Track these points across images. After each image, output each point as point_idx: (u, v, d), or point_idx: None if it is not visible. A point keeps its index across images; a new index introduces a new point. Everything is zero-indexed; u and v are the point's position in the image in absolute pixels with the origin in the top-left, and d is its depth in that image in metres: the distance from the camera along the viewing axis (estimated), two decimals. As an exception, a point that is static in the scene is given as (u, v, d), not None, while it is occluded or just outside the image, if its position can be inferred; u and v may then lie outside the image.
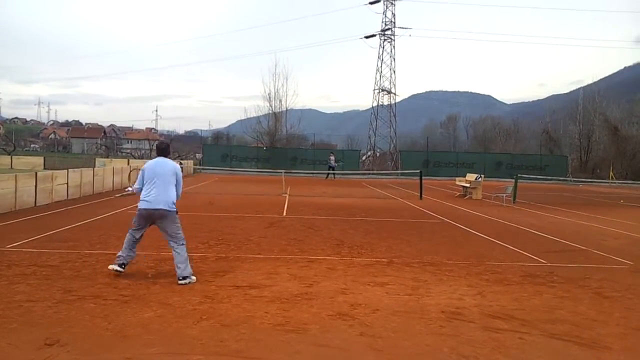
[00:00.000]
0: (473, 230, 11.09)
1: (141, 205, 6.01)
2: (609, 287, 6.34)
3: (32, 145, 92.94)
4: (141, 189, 6.11)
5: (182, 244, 5.99)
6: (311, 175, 34.08)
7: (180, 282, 5.76)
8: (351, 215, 13.18)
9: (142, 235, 6.18)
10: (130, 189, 6.75)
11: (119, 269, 5.93)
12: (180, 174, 6.28)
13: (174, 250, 5.95)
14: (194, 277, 5.92)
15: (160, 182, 6.00)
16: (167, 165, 6.16)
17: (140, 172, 6.20)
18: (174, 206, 6.04)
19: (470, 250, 8.67)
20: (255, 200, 16.47)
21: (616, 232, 11.60)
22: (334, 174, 32.59)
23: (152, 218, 6.02)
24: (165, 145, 6.58)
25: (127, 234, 6.13)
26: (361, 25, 68.95)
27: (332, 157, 33.24)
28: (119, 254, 6.05)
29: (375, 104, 54.56)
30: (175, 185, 6.16)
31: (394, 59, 53.88)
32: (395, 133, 54.03)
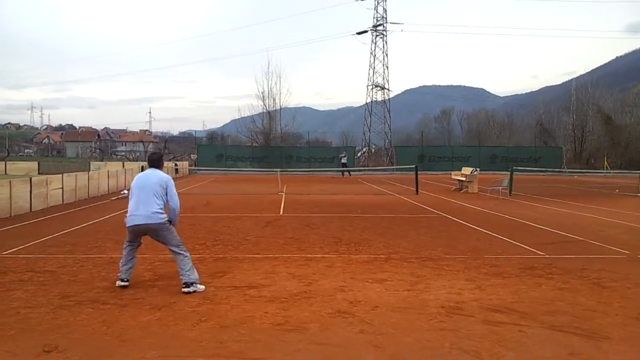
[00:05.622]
0: (470, 224, 11.10)
1: (127, 221, 5.69)
2: (608, 277, 6.36)
3: (26, 151, 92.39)
4: None
5: (181, 250, 5.65)
6: (307, 173, 34.03)
7: (184, 289, 5.44)
8: (348, 212, 13.17)
9: (138, 245, 5.86)
10: (125, 191, 6.67)
11: (122, 284, 5.63)
12: (171, 185, 5.75)
13: (175, 257, 5.68)
14: (201, 286, 5.57)
15: (143, 196, 5.60)
16: (153, 178, 5.69)
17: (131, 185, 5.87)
18: (158, 217, 5.57)
19: (467, 244, 8.68)
20: (251, 200, 16.44)
21: (613, 222, 11.64)
22: (348, 171, 33.62)
23: (141, 233, 5.73)
24: (156, 156, 6.07)
25: (124, 245, 5.83)
26: (353, 22, 68.92)
27: (344, 155, 35.02)
28: (120, 267, 5.73)
29: (368, 100, 54.40)
30: (165, 197, 5.67)
31: (387, 55, 53.56)
32: (390, 128, 53.83)
